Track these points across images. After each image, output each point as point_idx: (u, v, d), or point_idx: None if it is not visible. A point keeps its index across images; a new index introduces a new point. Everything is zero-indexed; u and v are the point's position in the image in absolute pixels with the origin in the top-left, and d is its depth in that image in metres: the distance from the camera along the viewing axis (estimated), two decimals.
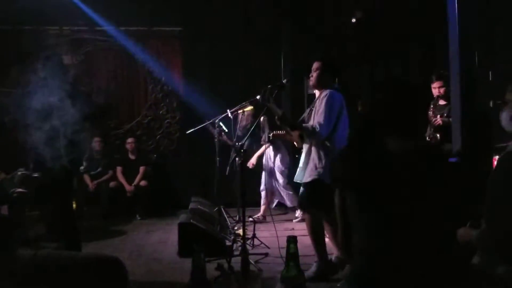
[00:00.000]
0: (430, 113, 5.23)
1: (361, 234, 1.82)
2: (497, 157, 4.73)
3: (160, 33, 8.41)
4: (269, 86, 3.92)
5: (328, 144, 3.78)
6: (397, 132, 1.87)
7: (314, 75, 3.97)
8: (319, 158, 3.77)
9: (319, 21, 8.02)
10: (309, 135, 3.82)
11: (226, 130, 5.94)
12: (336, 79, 4.05)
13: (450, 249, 1.81)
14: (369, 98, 2.03)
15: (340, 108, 3.82)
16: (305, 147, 3.93)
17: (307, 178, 3.84)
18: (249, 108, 5.90)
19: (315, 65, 3.98)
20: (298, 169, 4.00)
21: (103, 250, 4.82)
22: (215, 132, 5.82)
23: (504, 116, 2.24)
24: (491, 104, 5.64)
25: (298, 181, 4.01)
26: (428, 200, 1.72)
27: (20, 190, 5.93)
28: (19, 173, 6.22)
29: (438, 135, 5.09)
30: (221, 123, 5.78)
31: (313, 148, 3.82)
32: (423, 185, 1.74)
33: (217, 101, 6.80)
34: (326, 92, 3.80)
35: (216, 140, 5.81)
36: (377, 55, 7.97)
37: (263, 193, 6.56)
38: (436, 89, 5.21)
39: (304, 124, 3.86)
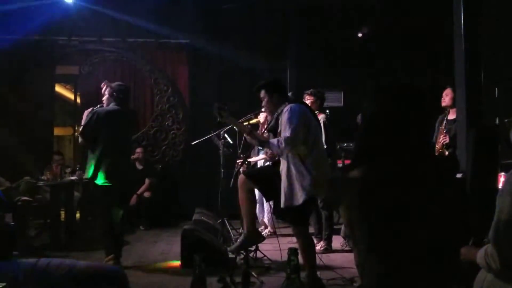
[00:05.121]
0: (442, 127, 5.11)
1: (364, 251, 1.75)
2: (503, 173, 4.72)
3: (167, 45, 8.48)
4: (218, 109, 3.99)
5: (305, 158, 3.71)
6: (402, 147, 1.72)
7: (264, 103, 4.04)
8: (303, 175, 3.67)
9: (325, 36, 8.08)
10: (277, 149, 3.77)
11: (231, 142, 5.94)
12: (286, 93, 4.09)
13: (453, 267, 1.77)
14: (368, 107, 1.83)
15: (304, 117, 3.77)
16: (283, 169, 3.81)
17: (297, 201, 3.68)
18: (255, 120, 5.90)
19: (261, 95, 4.03)
20: (283, 195, 3.75)
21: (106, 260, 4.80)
22: (220, 143, 5.82)
23: None
24: (497, 121, 5.63)
25: (287, 207, 3.76)
26: (433, 218, 1.65)
27: (25, 198, 5.95)
28: (25, 181, 6.26)
29: (446, 152, 4.99)
30: (226, 135, 5.78)
31: (293, 168, 3.72)
32: (430, 202, 1.65)
33: (226, 109, 6.81)
34: (286, 108, 3.77)
35: (220, 151, 5.81)
36: (382, 71, 8.00)
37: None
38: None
39: (270, 140, 3.83)
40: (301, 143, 3.69)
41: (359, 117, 5.00)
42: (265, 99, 4.01)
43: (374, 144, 1.76)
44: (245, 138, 5.73)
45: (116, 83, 5.11)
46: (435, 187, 1.68)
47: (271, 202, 5.62)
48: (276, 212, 4.07)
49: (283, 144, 3.64)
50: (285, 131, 3.67)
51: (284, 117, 3.72)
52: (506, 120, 5.29)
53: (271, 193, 4.00)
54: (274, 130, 3.96)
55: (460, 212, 1.72)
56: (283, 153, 3.76)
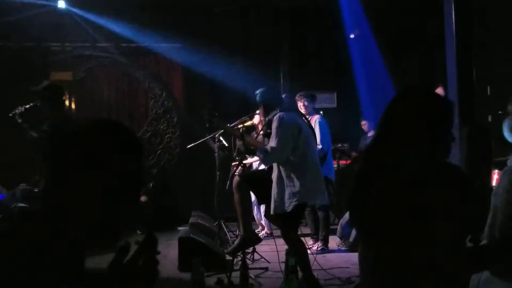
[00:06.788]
0: None
1: (370, 251, 1.74)
2: (496, 171, 4.75)
3: (160, 49, 8.48)
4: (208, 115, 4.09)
5: (296, 165, 3.74)
6: (417, 149, 1.70)
7: (260, 112, 4.21)
8: (293, 182, 3.70)
9: (318, 38, 8.11)
10: (263, 158, 3.84)
11: (226, 145, 5.95)
12: (278, 100, 4.15)
13: (452, 265, 1.76)
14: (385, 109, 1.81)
15: (293, 126, 3.80)
16: (274, 175, 3.84)
17: (288, 208, 3.71)
18: (249, 122, 5.92)
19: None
20: (272, 202, 3.80)
21: (103, 265, 4.80)
22: (215, 146, 5.83)
23: (506, 126, 2.18)
24: (489, 118, 5.68)
25: (276, 213, 3.82)
26: (432, 214, 1.63)
27: (21, 205, 5.94)
28: (21, 188, 6.25)
29: None
30: (221, 138, 5.80)
31: (283, 174, 3.75)
32: (429, 199, 1.63)
33: (217, 115, 6.84)
34: (276, 116, 3.82)
35: (216, 154, 5.82)
36: (375, 71, 8.03)
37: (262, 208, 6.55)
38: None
39: (260, 148, 3.86)
40: (288, 154, 3.72)
41: None
42: (260, 109, 4.12)
43: (380, 144, 1.77)
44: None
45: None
46: (434, 185, 1.68)
47: None
48: (268, 215, 4.11)
49: (268, 154, 3.70)
50: (272, 141, 3.72)
51: (273, 126, 3.77)
52: (500, 112, 5.33)
53: (264, 197, 4.03)
54: (269, 135, 4.00)
55: (460, 209, 1.71)
56: (268, 162, 3.81)
